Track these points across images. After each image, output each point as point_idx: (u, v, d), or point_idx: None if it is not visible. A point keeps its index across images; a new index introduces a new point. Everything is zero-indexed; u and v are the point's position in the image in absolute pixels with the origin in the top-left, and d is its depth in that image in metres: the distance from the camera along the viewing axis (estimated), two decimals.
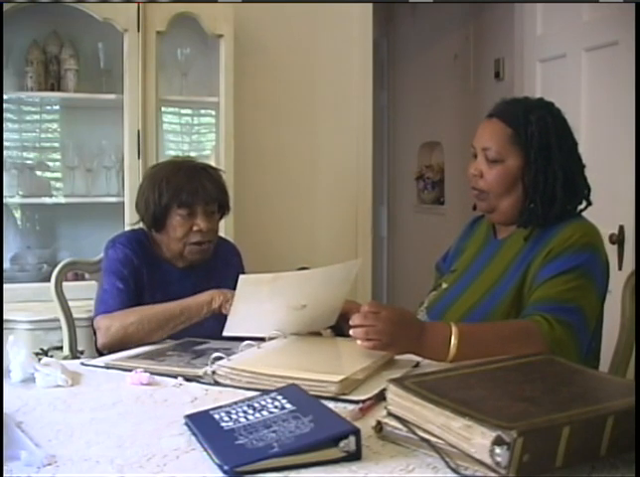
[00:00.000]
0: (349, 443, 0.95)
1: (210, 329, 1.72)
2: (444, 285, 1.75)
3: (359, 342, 1.36)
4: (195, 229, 1.89)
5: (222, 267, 2.00)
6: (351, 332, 1.37)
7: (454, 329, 1.40)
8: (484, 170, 1.63)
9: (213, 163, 2.55)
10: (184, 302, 1.75)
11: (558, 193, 1.59)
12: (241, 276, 1.58)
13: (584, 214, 1.65)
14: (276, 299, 1.56)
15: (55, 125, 3.10)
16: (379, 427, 1.04)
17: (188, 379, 1.38)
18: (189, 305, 1.74)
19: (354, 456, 0.95)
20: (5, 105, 2.86)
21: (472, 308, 1.60)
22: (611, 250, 2.49)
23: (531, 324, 1.46)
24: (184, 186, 1.87)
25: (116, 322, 1.74)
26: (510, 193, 1.62)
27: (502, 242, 1.69)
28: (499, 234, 1.73)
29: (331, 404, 1.14)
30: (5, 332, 2.43)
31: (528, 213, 1.61)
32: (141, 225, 1.99)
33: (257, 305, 1.58)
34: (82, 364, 1.54)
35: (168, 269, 1.95)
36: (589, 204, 1.65)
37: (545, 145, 1.59)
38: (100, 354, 1.77)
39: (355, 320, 1.36)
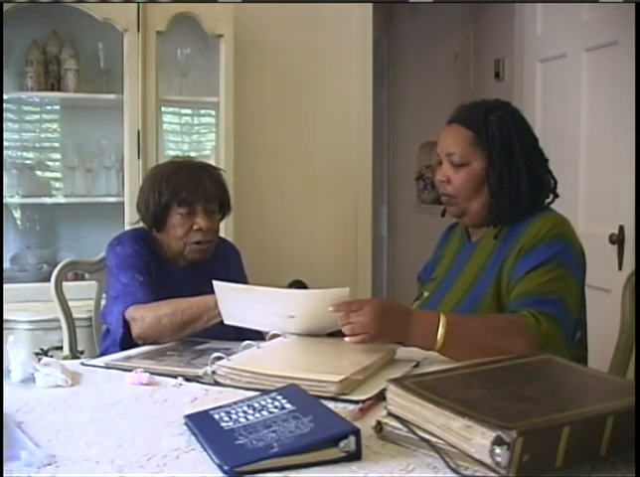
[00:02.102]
0: (349, 443, 0.95)
1: (212, 329, 1.72)
2: (426, 294, 1.77)
3: (346, 338, 1.39)
4: (195, 228, 1.88)
5: (222, 267, 2.00)
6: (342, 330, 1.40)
7: (442, 318, 1.42)
8: (450, 175, 1.66)
9: (213, 163, 2.55)
10: None
11: (523, 188, 1.61)
12: (215, 282, 1.60)
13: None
14: (260, 307, 1.57)
15: (55, 125, 3.10)
16: (379, 427, 1.04)
17: (188, 379, 1.38)
18: None
19: (354, 456, 0.95)
20: (5, 105, 2.86)
21: (452, 312, 1.60)
22: (611, 250, 2.49)
23: (518, 318, 1.47)
24: (184, 184, 1.87)
25: (150, 313, 1.73)
26: (478, 194, 1.64)
27: (475, 245, 1.71)
28: (473, 236, 1.74)
29: (331, 404, 1.14)
30: (5, 332, 2.43)
31: (496, 211, 1.63)
32: (141, 224, 1.99)
33: (244, 308, 1.60)
34: (82, 364, 1.54)
35: (170, 268, 1.95)
36: (556, 196, 1.68)
37: (506, 143, 1.62)
38: (123, 344, 1.75)
39: (342, 320, 1.40)
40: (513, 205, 1.61)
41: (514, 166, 1.61)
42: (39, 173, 3.02)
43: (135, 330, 1.74)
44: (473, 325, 1.47)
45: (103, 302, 2.11)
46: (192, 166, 1.95)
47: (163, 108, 3.03)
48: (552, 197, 1.67)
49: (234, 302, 1.62)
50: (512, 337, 1.43)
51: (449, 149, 1.65)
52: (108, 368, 1.49)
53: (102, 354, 1.84)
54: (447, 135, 1.68)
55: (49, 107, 3.08)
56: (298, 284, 1.76)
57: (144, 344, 1.72)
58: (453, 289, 1.68)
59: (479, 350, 1.37)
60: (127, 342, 1.74)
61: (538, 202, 1.64)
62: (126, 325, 1.75)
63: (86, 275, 2.39)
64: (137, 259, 1.88)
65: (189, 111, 3.27)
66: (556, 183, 1.67)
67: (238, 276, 2.04)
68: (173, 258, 1.95)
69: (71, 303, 2.16)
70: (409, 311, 1.47)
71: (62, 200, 2.94)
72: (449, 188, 1.66)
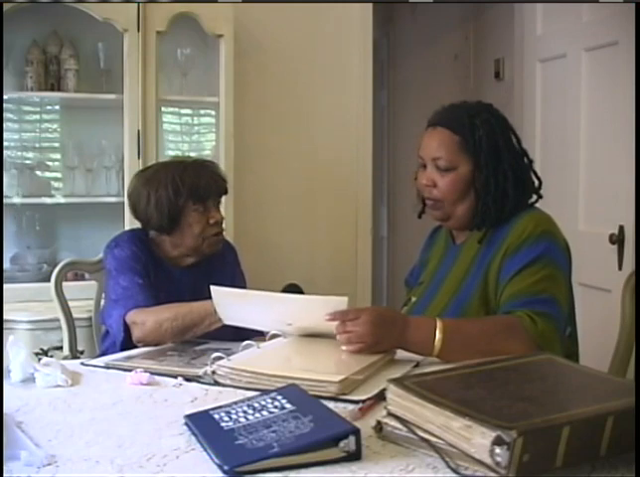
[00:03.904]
0: (349, 443, 0.95)
1: (213, 330, 1.72)
2: (413, 299, 1.76)
3: (343, 347, 1.38)
4: (212, 221, 1.91)
5: (219, 265, 2.00)
6: (337, 338, 1.40)
7: (439, 323, 1.42)
8: (436, 179, 1.64)
9: None
10: None
11: (509, 192, 1.61)
12: (212, 287, 1.60)
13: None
14: (257, 311, 1.57)
15: (55, 125, 3.10)
16: (379, 427, 1.04)
17: (188, 379, 1.38)
18: None
19: (354, 456, 0.95)
20: (5, 105, 2.86)
21: (440, 316, 1.60)
22: (611, 250, 2.49)
23: (514, 319, 1.47)
24: (199, 182, 1.89)
25: (151, 317, 1.73)
26: (464, 198, 1.64)
27: (460, 247, 1.71)
28: (457, 239, 1.74)
29: (331, 404, 1.14)
30: (5, 332, 2.43)
31: (481, 214, 1.63)
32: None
33: (241, 312, 1.60)
34: (82, 364, 1.54)
35: (168, 268, 1.95)
36: (540, 197, 1.67)
37: (493, 147, 1.61)
38: (123, 346, 1.75)
39: (338, 329, 1.39)
40: (498, 208, 1.61)
41: (500, 169, 1.61)
42: (39, 173, 3.02)
43: (136, 334, 1.73)
44: (470, 328, 1.47)
45: (103, 302, 2.11)
46: (191, 163, 1.96)
47: (163, 108, 3.03)
48: (535, 197, 1.67)
49: (231, 306, 1.62)
50: (509, 338, 1.44)
51: (435, 154, 1.63)
52: (108, 368, 1.49)
53: (102, 355, 1.84)
54: (432, 139, 1.65)
55: (49, 107, 3.08)
56: (293, 288, 1.75)
57: (144, 347, 1.72)
58: (440, 293, 1.67)
59: (477, 353, 1.37)
60: (128, 345, 1.74)
61: (521, 203, 1.64)
62: (127, 329, 1.75)
63: (86, 275, 2.39)
64: (136, 262, 1.88)
65: (189, 111, 3.27)
66: (540, 183, 1.67)
67: (235, 274, 2.05)
68: (173, 259, 1.95)
69: (71, 303, 2.16)
70: (406, 318, 1.47)
71: (62, 200, 2.94)
72: (435, 192, 1.65)
